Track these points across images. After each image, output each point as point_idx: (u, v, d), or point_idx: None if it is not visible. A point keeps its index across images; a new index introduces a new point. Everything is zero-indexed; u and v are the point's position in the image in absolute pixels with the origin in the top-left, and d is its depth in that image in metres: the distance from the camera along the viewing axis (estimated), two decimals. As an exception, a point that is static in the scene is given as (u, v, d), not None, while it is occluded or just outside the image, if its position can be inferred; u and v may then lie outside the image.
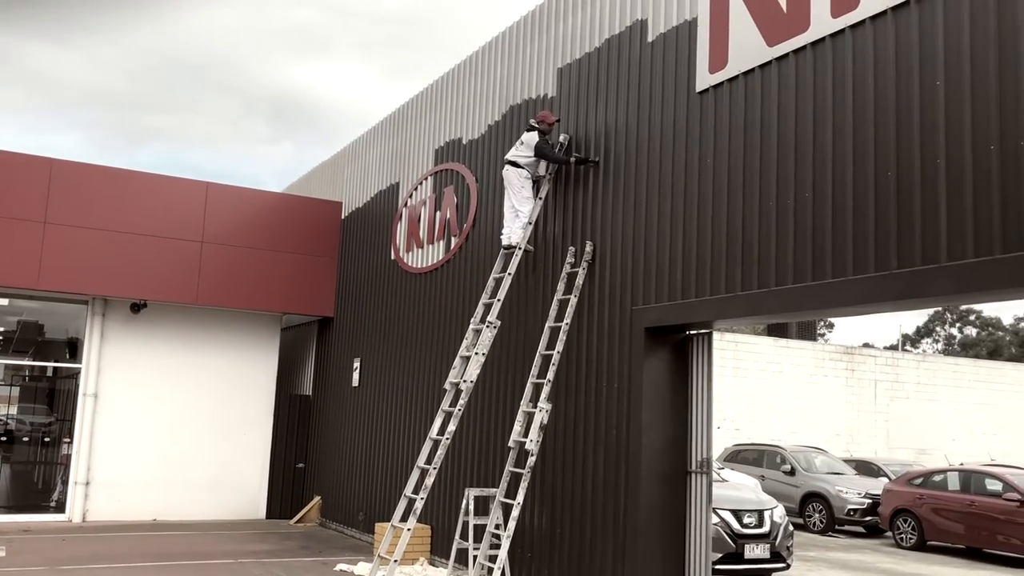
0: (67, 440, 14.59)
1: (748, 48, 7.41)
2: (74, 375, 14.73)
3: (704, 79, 7.86)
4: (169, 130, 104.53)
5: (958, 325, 58.32)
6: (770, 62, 7.21)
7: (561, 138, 9.73)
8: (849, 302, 6.40)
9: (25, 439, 14.83)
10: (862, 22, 6.46)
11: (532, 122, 9.80)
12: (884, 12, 6.30)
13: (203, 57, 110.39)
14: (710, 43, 7.82)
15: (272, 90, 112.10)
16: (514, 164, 9.67)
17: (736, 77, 7.53)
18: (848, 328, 78.78)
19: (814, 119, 6.77)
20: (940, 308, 54.10)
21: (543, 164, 9.80)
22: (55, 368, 15.20)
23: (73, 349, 15.05)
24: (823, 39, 6.76)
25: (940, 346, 58.17)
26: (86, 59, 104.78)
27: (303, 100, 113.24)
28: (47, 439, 14.92)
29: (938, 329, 58.84)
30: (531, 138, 9.62)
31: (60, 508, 14.33)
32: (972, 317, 57.51)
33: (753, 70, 7.37)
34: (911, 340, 59.39)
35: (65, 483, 14.39)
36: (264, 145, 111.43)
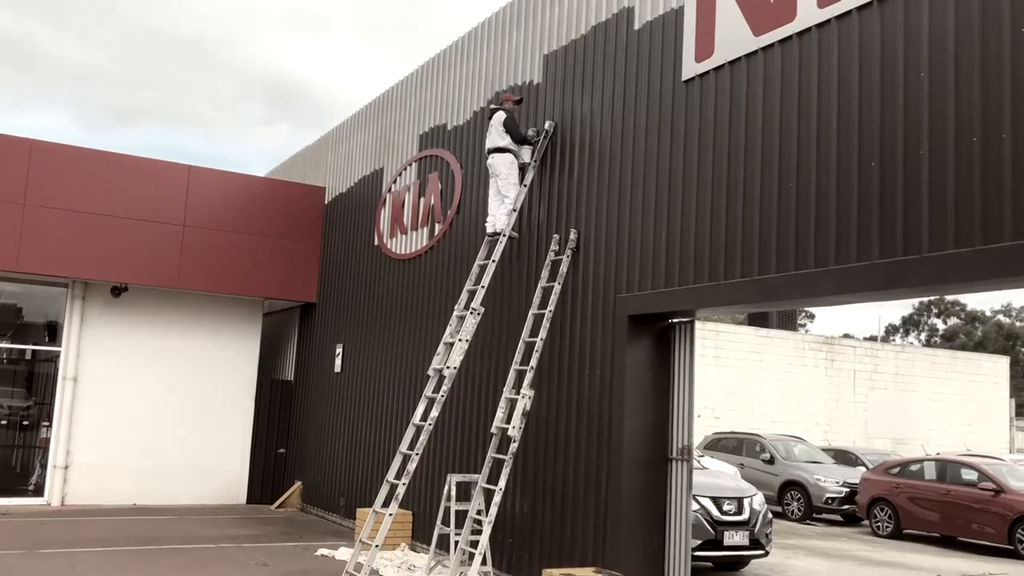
0: (46, 424, 14.48)
1: (734, 37, 7.42)
2: (53, 358, 14.62)
3: (690, 68, 7.87)
4: (160, 110, 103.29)
5: (943, 317, 58.80)
6: (756, 52, 7.23)
7: (547, 124, 9.72)
8: (830, 291, 6.44)
9: (3, 422, 14.71)
10: (848, 13, 6.48)
11: (493, 106, 9.90)
12: (870, 3, 6.32)
13: (198, 36, 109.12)
14: (696, 32, 7.83)
15: (269, 71, 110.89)
16: (499, 150, 9.66)
17: (722, 66, 7.54)
18: (829, 319, 79.44)
19: (799, 109, 6.80)
20: (925, 299, 54.62)
21: (526, 150, 9.80)
22: (34, 351, 15.07)
23: (52, 332, 14.92)
24: (809, 29, 6.78)
25: (923, 337, 58.62)
26: (77, 36, 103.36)
27: (300, 82, 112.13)
28: (25, 422, 14.80)
29: (924, 320, 59.30)
30: (498, 117, 9.71)
31: (39, 492, 14.23)
32: (957, 309, 58.00)
33: (739, 59, 7.38)
34: (896, 330, 59.88)
35: (44, 467, 14.30)
36: (258, 127, 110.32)
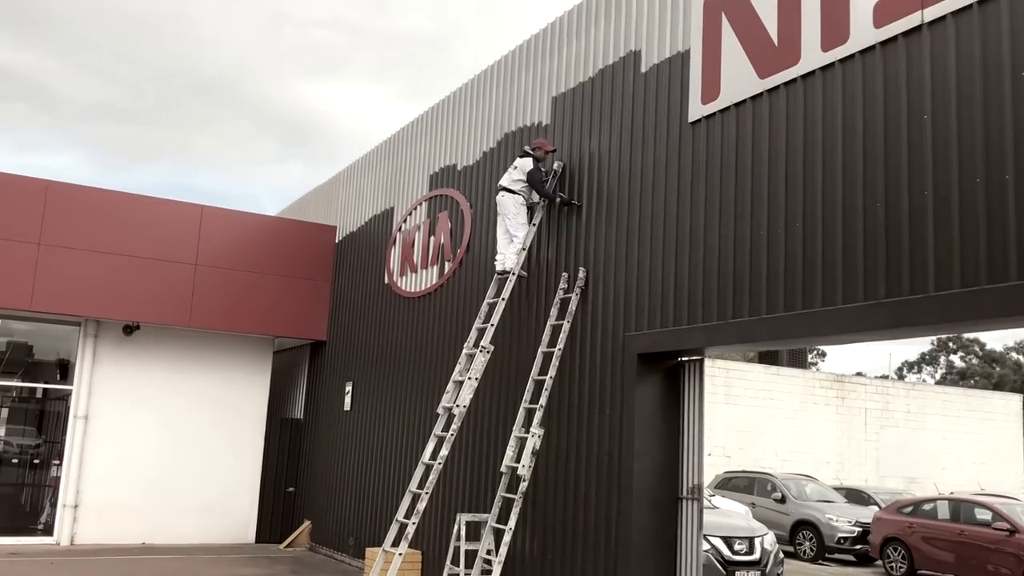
0: (56, 462, 14.52)
1: (740, 80, 7.54)
2: (64, 397, 14.69)
3: (696, 109, 7.98)
4: (175, 148, 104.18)
5: (960, 354, 58.36)
6: (761, 94, 7.34)
7: (555, 165, 9.83)
8: (838, 330, 6.48)
9: (14, 461, 14.74)
10: (851, 56, 6.59)
11: (527, 148, 9.90)
12: (872, 47, 6.44)
13: (214, 74, 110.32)
14: (702, 74, 7.96)
15: (284, 109, 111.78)
16: (509, 191, 9.76)
17: (728, 108, 7.66)
18: (841, 357, 79.01)
19: (804, 150, 6.88)
20: (942, 337, 54.25)
21: (532, 193, 9.89)
22: (45, 390, 15.14)
23: (64, 370, 15.01)
24: (813, 72, 6.90)
25: (939, 375, 58.16)
26: (94, 75, 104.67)
27: (315, 120, 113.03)
28: (36, 461, 14.84)
29: (940, 357, 58.87)
30: (525, 163, 9.72)
31: (48, 531, 14.23)
32: (974, 347, 57.57)
33: (745, 101, 7.50)
34: (912, 367, 59.44)
35: (54, 506, 14.30)
36: (273, 165, 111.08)
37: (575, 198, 9.49)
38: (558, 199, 9.60)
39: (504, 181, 9.87)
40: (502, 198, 9.82)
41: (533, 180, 9.64)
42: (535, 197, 9.89)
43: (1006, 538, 15.13)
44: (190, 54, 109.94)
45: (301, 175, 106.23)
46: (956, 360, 58.29)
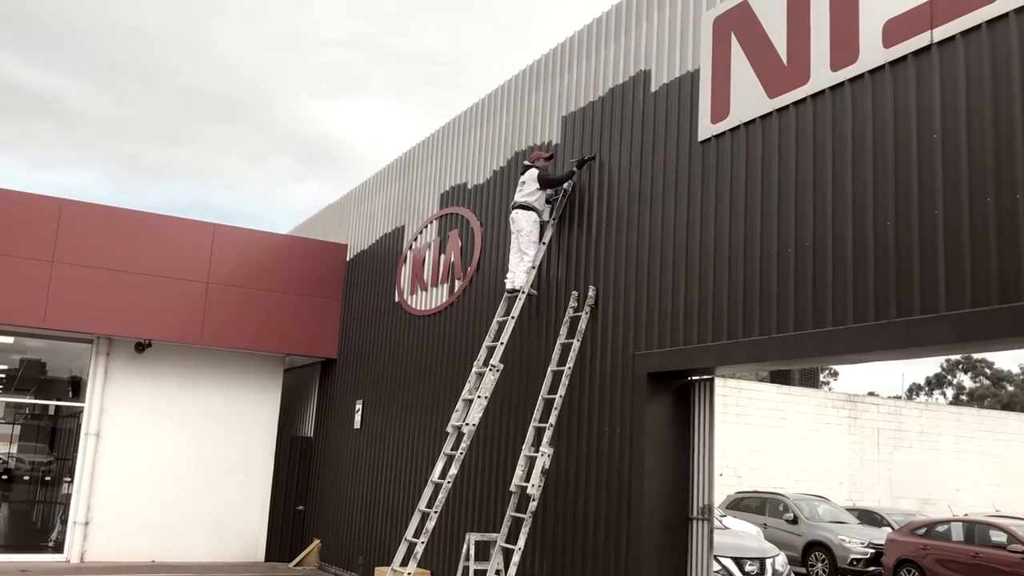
0: (67, 479, 14.55)
1: (749, 99, 7.56)
2: (76, 414, 14.74)
3: (706, 129, 8.00)
4: (193, 166, 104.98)
5: (970, 374, 57.93)
6: (771, 113, 7.36)
7: (565, 184, 9.86)
8: (849, 350, 6.45)
9: (25, 478, 14.79)
10: (861, 76, 6.60)
11: (527, 163, 10.04)
12: (882, 66, 6.45)
13: (233, 94, 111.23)
14: (712, 94, 7.98)
15: (302, 128, 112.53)
16: (524, 207, 9.79)
17: (737, 127, 7.67)
18: (853, 376, 78.55)
19: (814, 169, 6.89)
20: (954, 357, 53.93)
21: (548, 208, 9.94)
22: (57, 407, 15.20)
23: (76, 388, 15.08)
24: (823, 92, 6.91)
25: (950, 395, 57.75)
26: (114, 94, 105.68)
27: (333, 139, 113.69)
28: (47, 478, 14.89)
29: (949, 378, 58.45)
30: (531, 174, 9.82)
31: (58, 548, 14.24)
32: (984, 368, 57.16)
33: (754, 121, 7.51)
34: (921, 388, 59.03)
35: (64, 523, 14.33)
36: (289, 183, 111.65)
37: (586, 155, 9.62)
38: (573, 162, 9.74)
39: (518, 197, 9.90)
40: (516, 215, 9.85)
41: (548, 179, 9.74)
42: (545, 215, 9.92)
43: (1021, 560, 14.97)
44: (209, 75, 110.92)
45: (317, 194, 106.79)
46: (966, 380, 57.85)
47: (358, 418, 14.58)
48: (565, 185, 9.85)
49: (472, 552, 9.24)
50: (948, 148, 5.92)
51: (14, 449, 14.79)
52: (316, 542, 15.29)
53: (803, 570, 18.31)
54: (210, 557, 14.88)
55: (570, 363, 9.00)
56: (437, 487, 8.91)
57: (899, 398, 38.57)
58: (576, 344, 9.05)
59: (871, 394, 37.15)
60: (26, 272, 13.47)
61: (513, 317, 9.56)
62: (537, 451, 8.68)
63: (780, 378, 30.62)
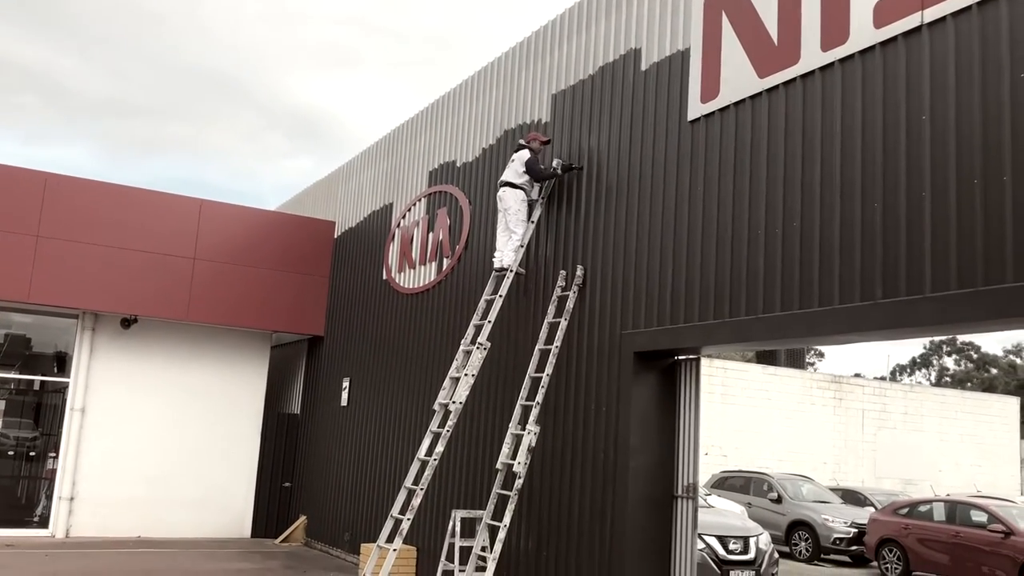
0: (52, 455, 14.52)
1: (739, 79, 7.54)
2: (61, 389, 14.69)
3: (696, 108, 7.98)
4: (184, 142, 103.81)
5: (955, 357, 58.37)
6: (761, 93, 7.34)
7: (554, 163, 9.83)
8: (835, 331, 6.48)
9: (10, 453, 14.74)
10: (851, 56, 6.59)
11: (521, 141, 9.96)
12: (872, 47, 6.43)
13: (226, 70, 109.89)
14: (702, 73, 7.95)
15: (295, 105, 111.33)
16: (511, 185, 9.76)
17: (727, 107, 7.65)
18: (839, 357, 79.02)
19: (803, 150, 6.88)
20: (936, 339, 54.29)
21: (536, 187, 9.91)
22: (42, 382, 15.14)
23: (61, 363, 15.01)
24: (813, 72, 6.89)
25: (933, 377, 58.20)
26: (105, 69, 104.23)
27: (326, 116, 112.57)
28: (32, 453, 14.84)
29: (934, 360, 58.88)
30: (522, 155, 9.76)
31: (43, 523, 14.22)
32: (968, 350, 57.59)
33: (744, 101, 7.49)
34: (906, 369, 59.46)
35: (49, 498, 14.31)
36: (282, 160, 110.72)
37: (575, 163, 9.55)
38: (556, 163, 9.66)
39: (506, 176, 9.87)
40: (504, 193, 9.81)
41: (532, 169, 9.66)
42: (534, 194, 9.89)
43: (1001, 540, 15.14)
44: (202, 50, 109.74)
45: (310, 171, 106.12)
46: (950, 363, 58.32)
47: (345, 395, 14.58)
48: (555, 164, 9.81)
49: (458, 529, 9.28)
50: (937, 130, 5.92)
51: (-1, 424, 14.74)
52: (302, 519, 15.32)
53: (786, 549, 18.48)
54: (196, 533, 14.90)
55: (557, 342, 9.01)
56: (423, 464, 8.93)
57: (884, 379, 38.84)
58: (563, 323, 9.06)
59: (856, 375, 37.43)
60: (11, 246, 13.36)
61: (501, 296, 9.56)
62: (524, 429, 8.71)
63: (766, 358, 30.76)
